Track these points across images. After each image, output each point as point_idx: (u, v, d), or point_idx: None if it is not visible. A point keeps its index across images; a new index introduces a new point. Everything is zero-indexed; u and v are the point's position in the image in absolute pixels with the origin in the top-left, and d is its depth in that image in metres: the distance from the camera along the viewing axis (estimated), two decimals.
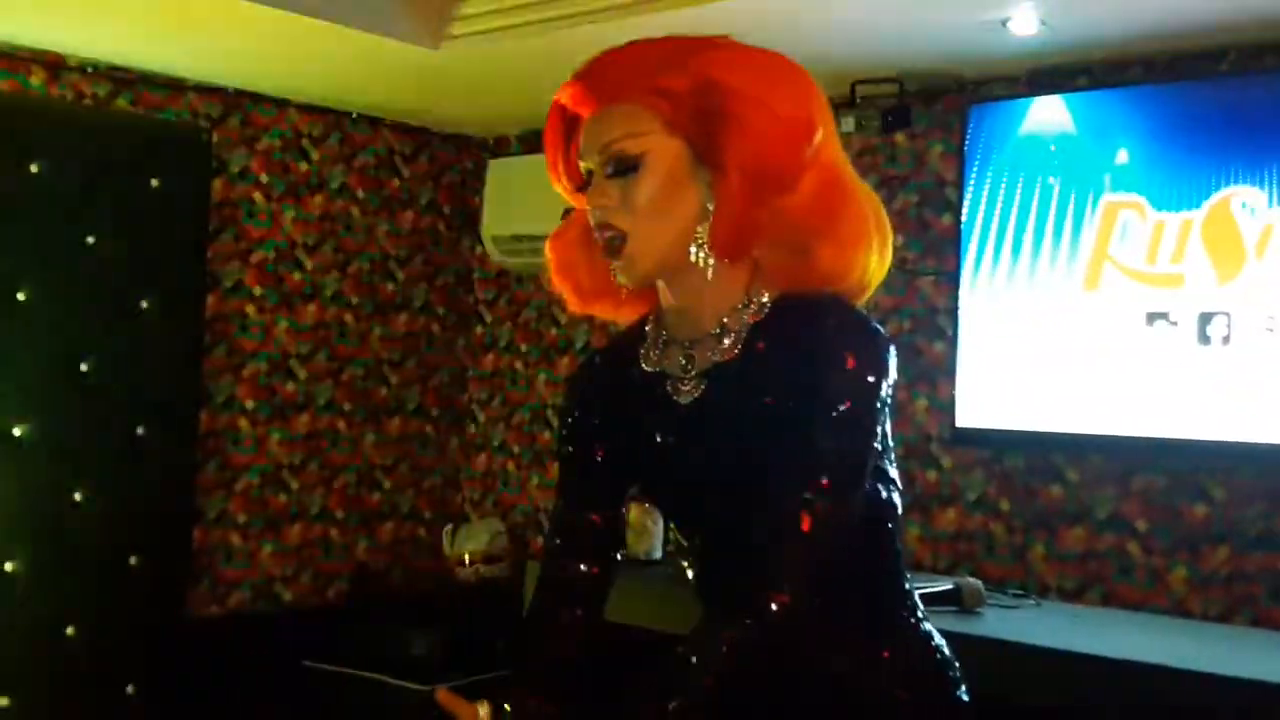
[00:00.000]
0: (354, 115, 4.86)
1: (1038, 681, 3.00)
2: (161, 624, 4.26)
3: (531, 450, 5.09)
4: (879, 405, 1.56)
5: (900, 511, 1.68)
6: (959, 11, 3.37)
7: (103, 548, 4.13)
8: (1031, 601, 3.60)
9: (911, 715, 1.63)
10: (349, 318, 4.90)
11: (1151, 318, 3.49)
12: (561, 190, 1.71)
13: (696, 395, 1.64)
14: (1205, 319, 3.40)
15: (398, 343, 5.05)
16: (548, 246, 1.75)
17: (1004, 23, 3.44)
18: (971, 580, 3.41)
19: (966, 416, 3.79)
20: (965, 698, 1.69)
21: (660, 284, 1.65)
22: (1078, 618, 3.51)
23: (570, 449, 1.78)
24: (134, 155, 4.23)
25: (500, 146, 5.18)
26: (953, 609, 3.27)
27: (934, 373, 3.95)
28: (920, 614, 1.70)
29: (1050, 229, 3.66)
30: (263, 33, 3.85)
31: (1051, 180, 3.66)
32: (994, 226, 3.75)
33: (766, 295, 1.62)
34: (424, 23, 3.91)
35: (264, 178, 4.66)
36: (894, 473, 1.67)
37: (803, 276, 1.60)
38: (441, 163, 5.16)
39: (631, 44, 1.60)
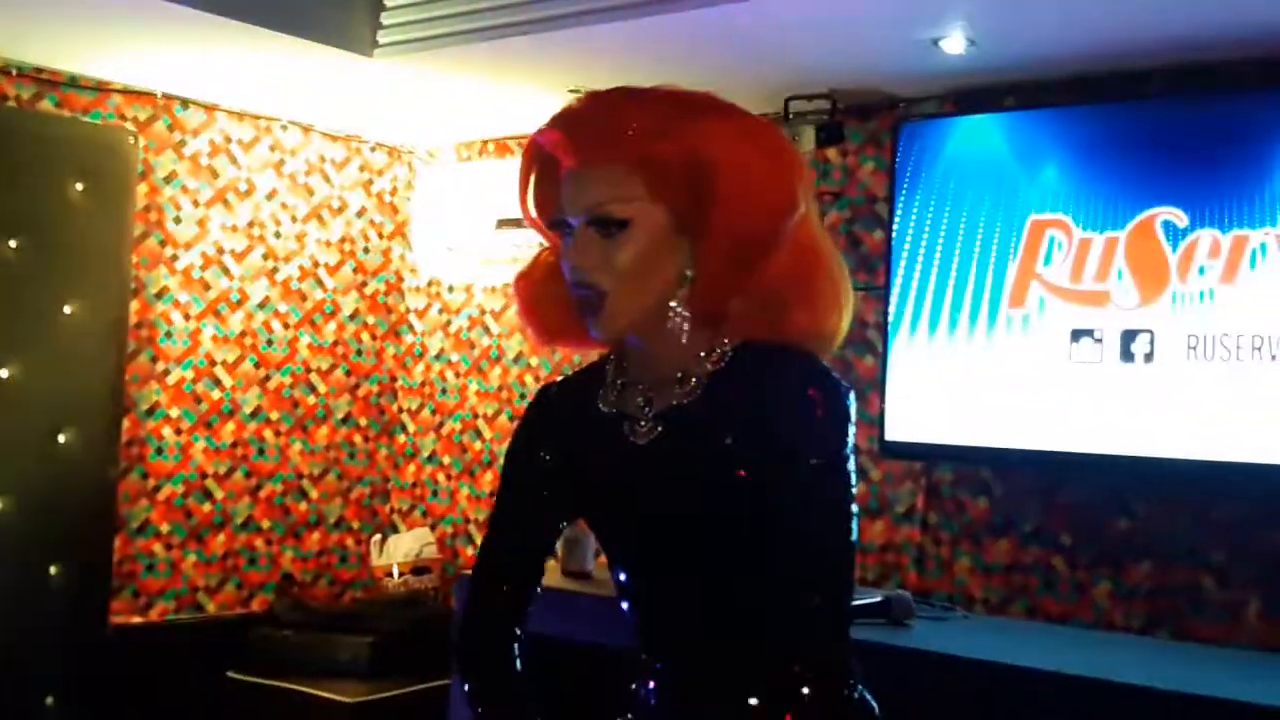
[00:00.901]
0: (284, 122, 4.81)
1: (967, 694, 3.03)
2: (82, 634, 4.19)
3: (462, 460, 5.07)
4: (849, 453, 1.60)
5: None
6: (891, 30, 3.41)
7: (23, 557, 4.05)
8: (960, 614, 3.64)
9: None
10: (277, 325, 4.85)
11: (1077, 334, 3.54)
12: (530, 224, 1.72)
13: (653, 438, 1.64)
14: (1129, 336, 3.46)
15: (327, 350, 5.00)
16: (514, 284, 1.76)
17: (935, 42, 3.48)
18: (901, 593, 3.44)
19: (896, 430, 3.83)
20: None
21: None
22: (1005, 630, 3.56)
23: (513, 485, 1.78)
24: (58, 158, 4.17)
25: (431, 156, 5.15)
26: (882, 621, 3.30)
27: (864, 386, 3.98)
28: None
29: (978, 246, 3.71)
30: (192, 36, 3.80)
31: (980, 198, 3.71)
32: (923, 243, 3.79)
33: (729, 344, 1.63)
34: (356, 30, 3.88)
35: (191, 183, 4.59)
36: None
37: (772, 334, 1.62)
38: (372, 171, 5.12)
39: (619, 98, 1.61)
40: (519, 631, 1.78)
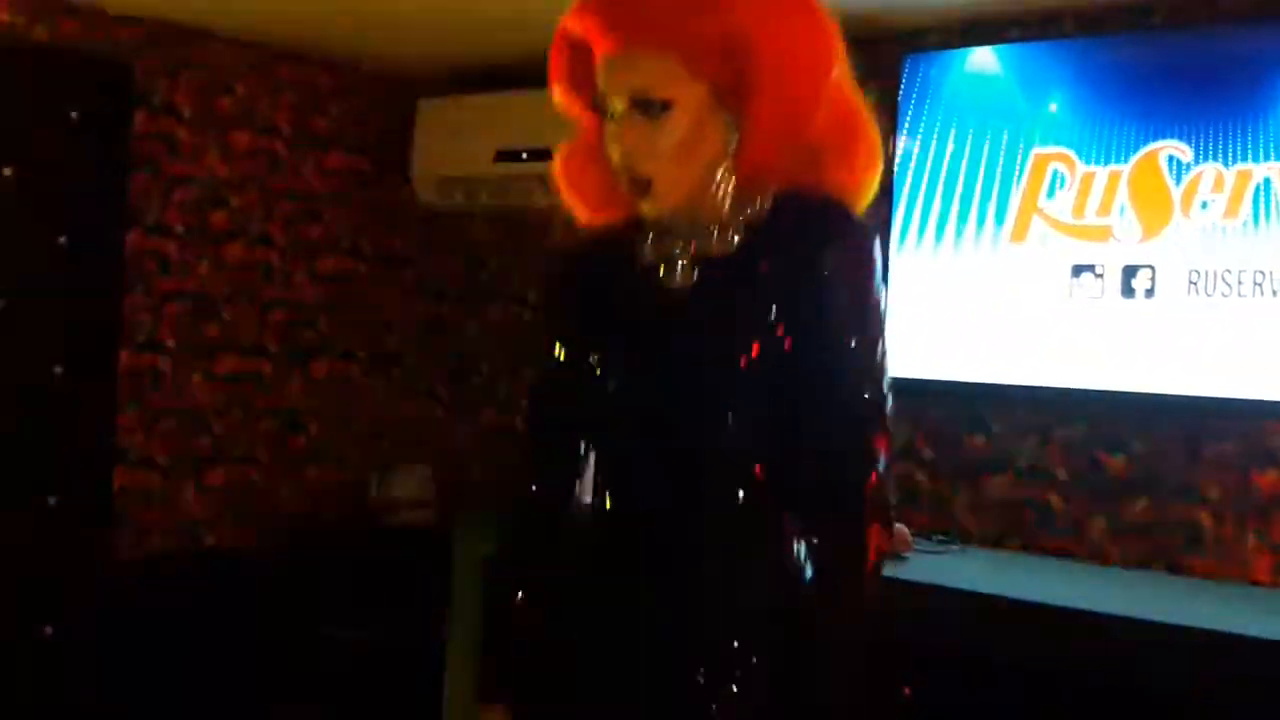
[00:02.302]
0: (283, 51, 4.75)
1: (963, 624, 3.05)
2: (80, 566, 4.20)
3: (460, 396, 5.06)
4: (884, 298, 1.64)
5: None
6: None
7: (21, 489, 4.05)
8: (956, 548, 3.65)
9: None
10: (274, 258, 4.82)
11: (1077, 270, 3.53)
12: (565, 107, 1.72)
13: (689, 282, 1.66)
14: (1130, 272, 3.44)
15: (324, 285, 4.98)
16: (556, 162, 1.77)
17: None
18: (899, 526, 3.44)
19: (894, 366, 3.80)
20: None
21: None
22: (1000, 564, 3.56)
23: (548, 351, 1.79)
24: (52, 87, 4.12)
25: (430, 86, 5.09)
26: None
27: None
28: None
29: (980, 180, 3.68)
30: None
31: (983, 132, 3.68)
32: (925, 177, 3.76)
33: (767, 200, 1.65)
34: None
35: (187, 112, 4.55)
36: None
37: (810, 187, 1.65)
38: (371, 102, 5.07)
39: None
40: (563, 505, 1.78)
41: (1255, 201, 3.25)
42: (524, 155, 4.54)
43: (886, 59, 3.98)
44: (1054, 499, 3.70)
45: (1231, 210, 3.29)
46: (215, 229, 4.65)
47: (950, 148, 3.73)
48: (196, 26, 4.50)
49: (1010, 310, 3.63)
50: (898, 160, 3.79)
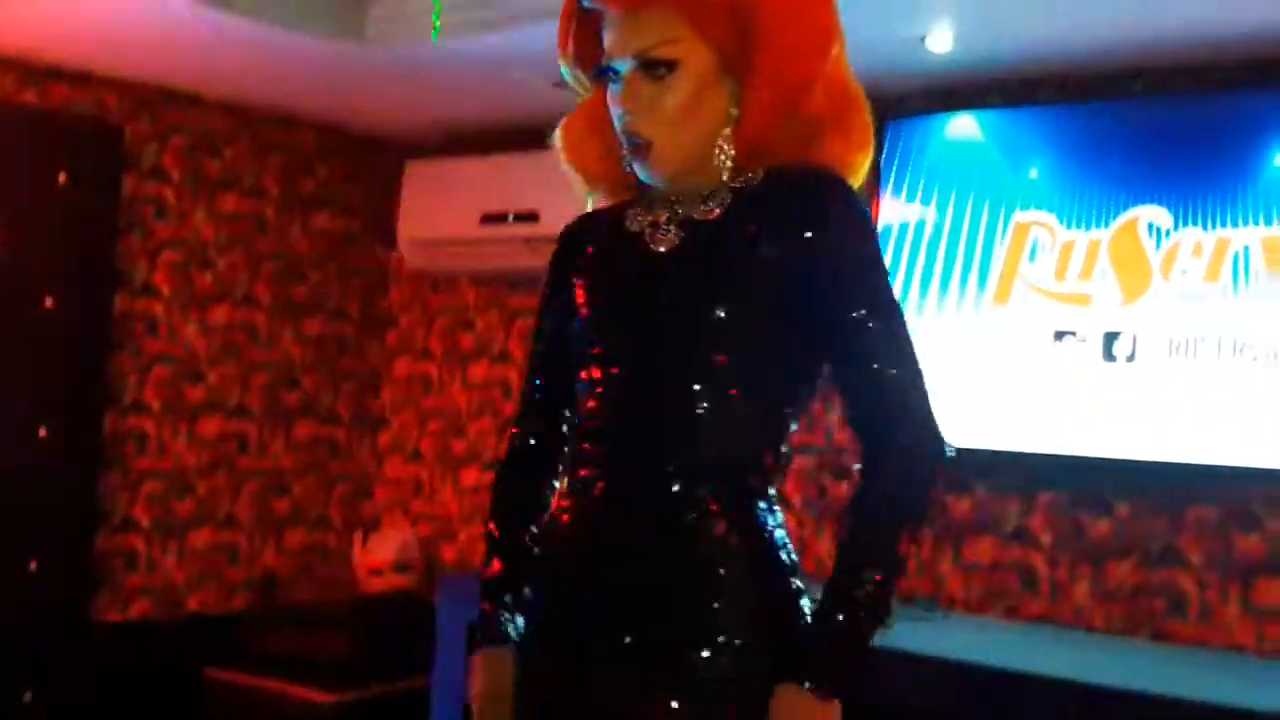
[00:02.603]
0: (269, 113, 4.79)
1: (948, 695, 3.03)
2: (61, 630, 4.17)
3: (445, 457, 5.05)
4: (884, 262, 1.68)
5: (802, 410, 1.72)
6: (878, 27, 3.40)
7: (2, 552, 4.03)
8: (940, 614, 3.64)
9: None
10: (260, 319, 4.83)
11: (1059, 334, 3.55)
12: (571, 76, 1.76)
13: (674, 244, 1.68)
14: (1111, 337, 3.46)
15: (310, 346, 4.98)
16: (559, 129, 1.80)
17: (922, 39, 3.48)
18: None
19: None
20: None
21: None
22: (986, 630, 3.55)
23: (543, 332, 1.83)
24: (42, 149, 4.15)
25: (417, 149, 5.13)
26: None
27: None
28: (781, 519, 1.69)
29: (963, 244, 3.71)
30: (178, 26, 3.78)
31: (964, 196, 3.71)
32: (908, 240, 3.79)
33: (760, 170, 1.67)
34: (344, 21, 3.86)
35: (176, 175, 4.57)
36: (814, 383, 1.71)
37: (804, 159, 1.67)
38: (357, 164, 5.10)
39: None
40: (549, 479, 1.83)
41: (1234, 267, 3.28)
42: (510, 218, 4.56)
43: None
44: (1038, 562, 3.70)
45: (1211, 275, 3.31)
46: (202, 291, 4.66)
47: (932, 212, 3.76)
48: (186, 90, 4.54)
49: (993, 373, 3.64)
50: (880, 224, 3.82)
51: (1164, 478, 3.42)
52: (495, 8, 3.68)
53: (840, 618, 1.55)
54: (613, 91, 1.65)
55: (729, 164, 1.66)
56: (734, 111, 1.64)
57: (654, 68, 1.61)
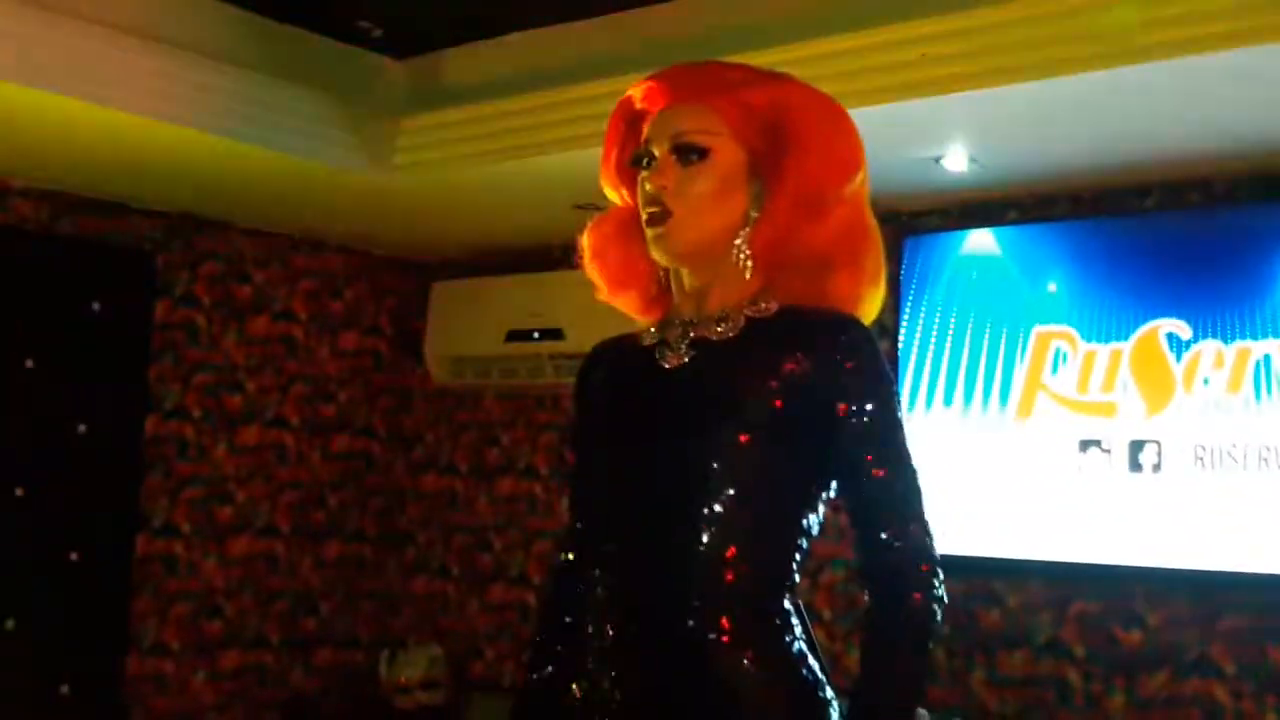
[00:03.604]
0: (296, 238, 4.89)
1: None
2: None
3: (471, 573, 5.06)
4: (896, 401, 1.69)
5: (814, 535, 1.72)
6: (895, 148, 3.48)
7: (34, 675, 4.04)
8: None
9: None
10: (289, 440, 4.88)
11: (1084, 445, 3.58)
12: (608, 181, 1.82)
13: (684, 362, 1.71)
14: (1137, 447, 3.49)
15: (337, 464, 5.03)
16: (585, 233, 1.84)
17: (938, 159, 3.56)
18: (921, 712, 3.42)
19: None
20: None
21: (682, 270, 1.74)
22: None
23: (575, 455, 1.87)
24: (76, 278, 4.24)
25: (442, 269, 5.22)
26: None
27: None
28: (800, 633, 1.70)
29: (984, 357, 3.76)
30: (208, 157, 3.88)
31: (985, 311, 3.76)
32: (930, 353, 3.84)
33: (775, 303, 1.71)
34: (372, 152, 3.97)
35: (206, 301, 4.66)
36: (823, 502, 1.72)
37: (815, 298, 1.71)
38: (384, 285, 5.19)
39: (711, 61, 1.77)
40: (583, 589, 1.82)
41: (1256, 377, 3.32)
42: (535, 335, 4.63)
43: (887, 241, 4.09)
44: (1072, 674, 3.69)
45: (1233, 385, 3.35)
46: (232, 412, 4.72)
47: (953, 327, 3.81)
48: (216, 218, 4.64)
49: (1020, 484, 3.67)
50: (901, 340, 3.87)
51: (1194, 586, 3.43)
52: (516, 139, 3.79)
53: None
54: (644, 176, 1.71)
55: (746, 262, 1.69)
56: (754, 214, 1.69)
57: (687, 153, 1.68)
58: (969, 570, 3.82)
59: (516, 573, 4.94)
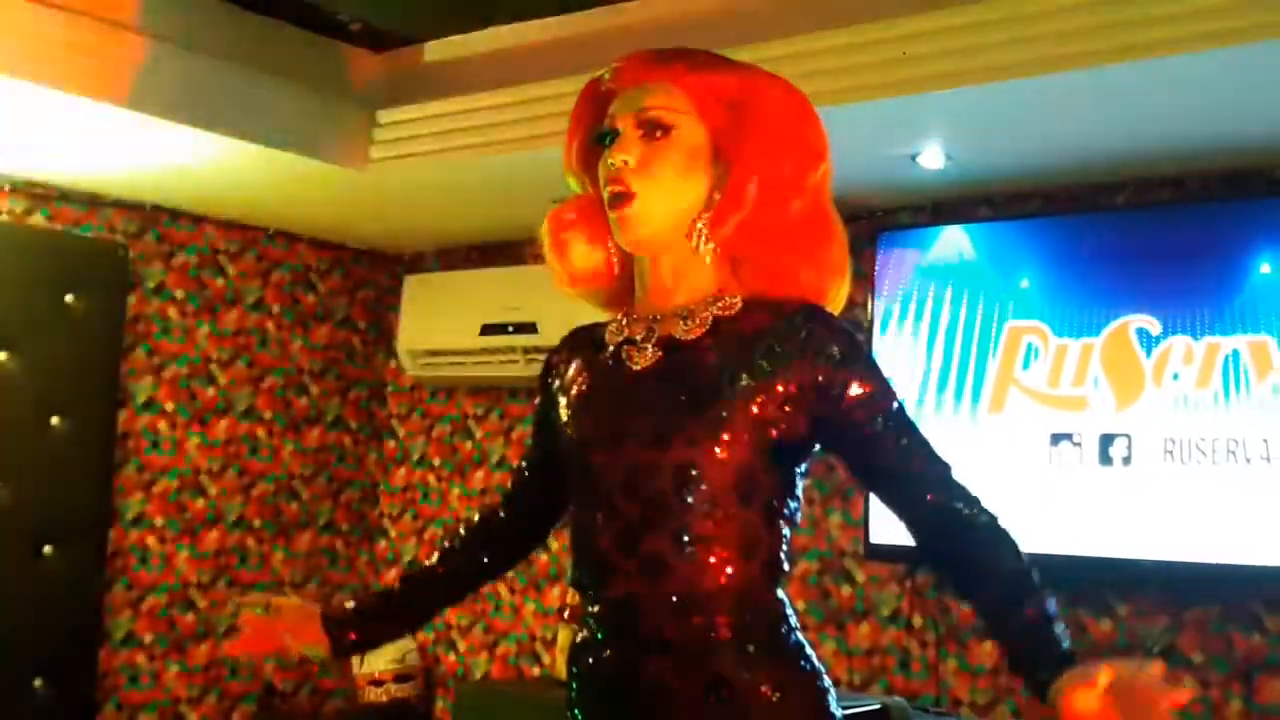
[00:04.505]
0: (270, 231, 4.87)
1: None
2: None
3: None
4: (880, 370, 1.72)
5: (797, 522, 1.75)
6: (873, 144, 3.52)
7: (6, 670, 4.02)
8: (954, 718, 3.67)
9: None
10: (261, 432, 4.87)
11: (1056, 438, 3.63)
12: (570, 167, 1.82)
13: (650, 363, 1.71)
14: (1107, 440, 3.55)
15: (309, 457, 5.02)
16: (546, 221, 1.83)
17: (913, 157, 3.60)
18: (898, 699, 3.47)
19: (879, 533, 3.88)
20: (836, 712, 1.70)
21: (644, 262, 1.74)
22: None
23: (532, 429, 1.95)
24: (50, 271, 4.22)
25: (416, 262, 5.23)
26: None
27: (847, 489, 4.04)
28: (795, 624, 1.72)
29: (957, 352, 3.80)
30: (183, 150, 3.87)
31: (957, 306, 3.81)
32: (904, 349, 3.88)
33: (739, 298, 1.71)
34: (348, 145, 3.97)
35: (179, 293, 4.64)
36: (800, 490, 1.74)
37: (778, 288, 1.71)
38: (357, 278, 5.19)
39: (678, 47, 1.77)
40: (491, 549, 1.99)
41: (1225, 372, 3.38)
42: (509, 328, 4.64)
43: (861, 237, 4.14)
44: None
45: (1202, 381, 3.41)
46: (204, 406, 4.70)
47: (925, 323, 3.85)
48: (190, 210, 4.62)
49: (993, 477, 3.70)
50: (874, 335, 3.91)
51: (1162, 577, 3.48)
52: (494, 133, 3.81)
53: (1044, 639, 1.58)
54: (605, 155, 1.71)
55: (706, 246, 1.69)
56: (716, 197, 1.69)
57: (651, 128, 1.68)
58: None
59: None
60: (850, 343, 1.68)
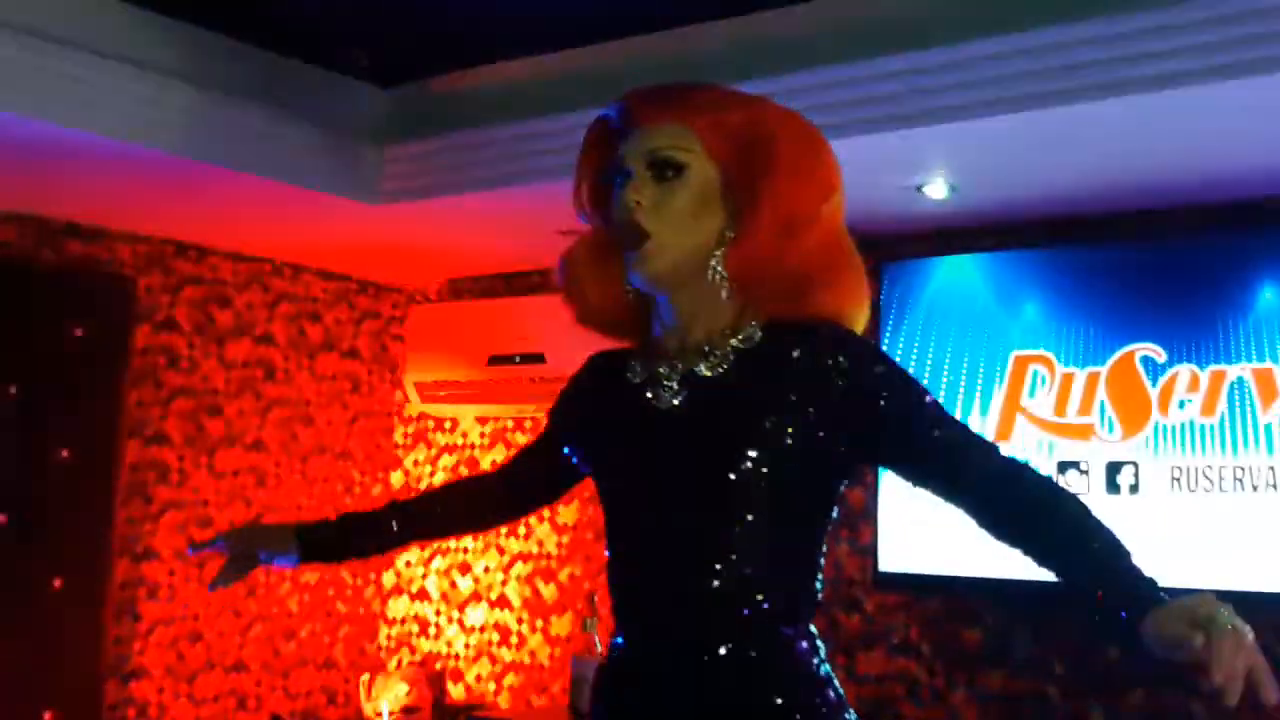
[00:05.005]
0: (278, 264, 4.90)
1: None
2: None
3: (451, 595, 5.08)
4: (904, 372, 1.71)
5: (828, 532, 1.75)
6: (877, 177, 3.55)
7: (14, 704, 4.02)
8: None
9: None
10: (268, 464, 4.89)
11: (1063, 466, 3.65)
12: (580, 207, 1.82)
13: (675, 403, 1.71)
14: (1114, 469, 3.57)
15: (316, 488, 5.03)
16: (560, 264, 1.84)
17: (919, 188, 3.63)
18: None
19: (888, 561, 3.90)
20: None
21: (661, 300, 1.74)
22: None
23: (546, 432, 1.97)
24: (57, 305, 4.24)
25: (422, 294, 5.25)
26: None
27: (856, 518, 4.06)
28: (823, 655, 1.73)
29: (963, 381, 3.83)
30: (192, 183, 3.89)
31: (963, 335, 3.84)
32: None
33: (758, 328, 1.71)
34: (356, 179, 3.99)
35: (187, 326, 4.66)
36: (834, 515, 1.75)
37: (796, 312, 1.71)
38: (363, 309, 5.21)
39: (686, 83, 1.76)
40: (450, 501, 2.03)
41: (1230, 400, 3.41)
42: (516, 359, 4.66)
43: (866, 268, 4.16)
44: (1052, 691, 3.75)
45: (1208, 409, 3.44)
46: (212, 436, 4.72)
47: (932, 351, 3.88)
48: (197, 244, 4.65)
49: None
50: None
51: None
52: (501, 166, 3.83)
53: (1120, 569, 1.59)
54: (617, 194, 1.70)
55: (722, 283, 1.69)
56: (729, 234, 1.69)
57: (663, 169, 1.68)
58: (949, 589, 3.89)
59: (496, 595, 4.96)
60: (870, 353, 1.69)
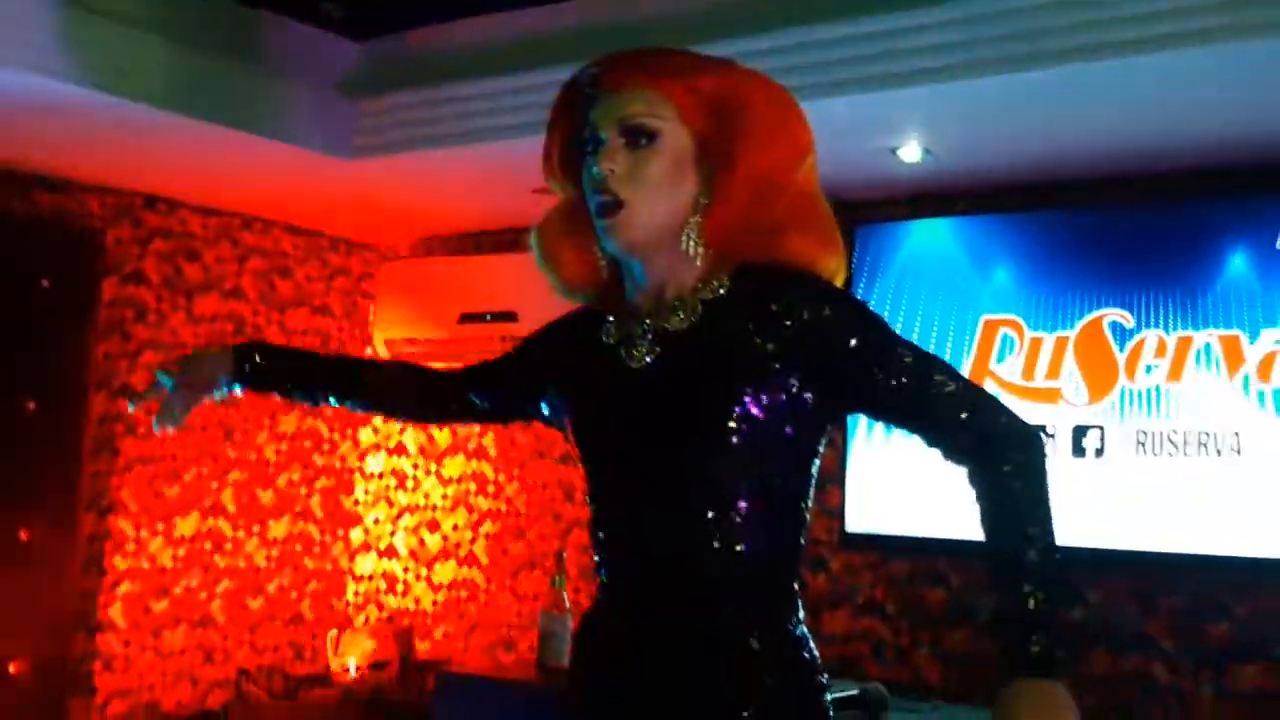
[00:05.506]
0: (248, 218, 4.87)
1: None
2: None
3: (419, 552, 5.09)
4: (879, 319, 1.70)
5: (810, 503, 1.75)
6: (852, 139, 3.56)
7: None
8: (930, 705, 3.72)
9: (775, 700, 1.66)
10: (235, 421, 4.87)
11: None
12: (550, 172, 1.81)
13: (649, 360, 1.72)
14: (1080, 432, 3.61)
15: (284, 444, 5.02)
16: (533, 237, 1.84)
17: (893, 150, 3.64)
18: (876, 685, 3.51)
19: (855, 522, 3.93)
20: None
21: (634, 265, 1.74)
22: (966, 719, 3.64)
23: (512, 355, 1.99)
24: (25, 255, 4.20)
25: (393, 250, 5.23)
26: (857, 713, 3.37)
27: (824, 479, 4.06)
28: (801, 615, 1.74)
29: (933, 344, 3.85)
30: (171, 138, 3.86)
31: (933, 299, 3.86)
32: None
33: (726, 277, 1.71)
34: (329, 134, 3.97)
35: (155, 279, 4.63)
36: (815, 469, 1.75)
37: (767, 256, 1.71)
38: (333, 265, 5.19)
39: (659, 48, 1.76)
40: (400, 381, 2.06)
41: (1197, 365, 3.44)
42: (488, 317, 4.66)
43: (840, 229, 4.18)
44: None
45: (1174, 374, 3.48)
46: None
47: (902, 314, 3.90)
48: (167, 196, 4.61)
49: None
50: None
51: (1133, 567, 3.55)
52: (476, 122, 3.82)
53: (1029, 605, 1.58)
54: (590, 161, 1.69)
55: (697, 249, 1.69)
56: (704, 200, 1.68)
57: (636, 136, 1.67)
58: (916, 551, 3.93)
59: (464, 552, 4.97)
60: (838, 297, 1.68)
